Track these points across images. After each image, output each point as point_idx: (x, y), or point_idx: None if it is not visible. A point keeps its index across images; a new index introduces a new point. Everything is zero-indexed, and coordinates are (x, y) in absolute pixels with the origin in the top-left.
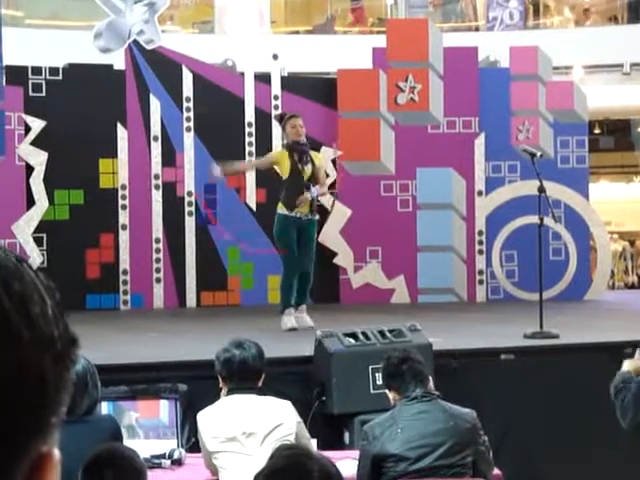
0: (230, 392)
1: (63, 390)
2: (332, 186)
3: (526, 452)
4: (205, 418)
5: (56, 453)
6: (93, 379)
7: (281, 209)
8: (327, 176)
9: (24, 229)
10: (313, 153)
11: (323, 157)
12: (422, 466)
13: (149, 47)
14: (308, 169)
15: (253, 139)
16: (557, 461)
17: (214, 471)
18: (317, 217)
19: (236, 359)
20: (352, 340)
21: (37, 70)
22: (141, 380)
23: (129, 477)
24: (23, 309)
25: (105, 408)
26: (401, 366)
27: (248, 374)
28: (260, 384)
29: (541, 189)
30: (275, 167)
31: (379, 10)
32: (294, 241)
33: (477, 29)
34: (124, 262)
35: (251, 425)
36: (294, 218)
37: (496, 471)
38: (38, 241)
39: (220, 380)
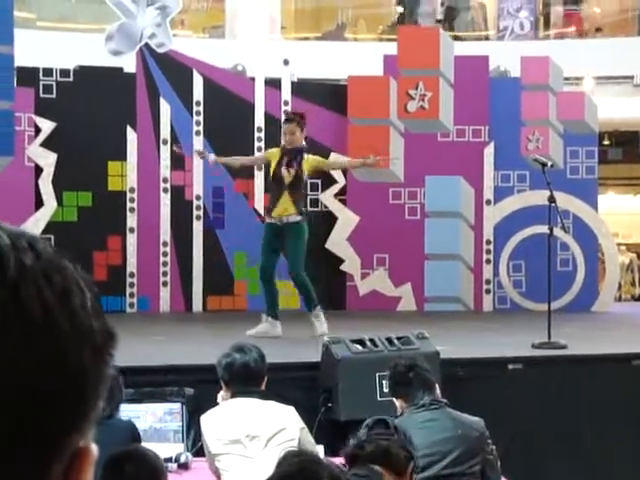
0: (233, 396)
1: (102, 384)
2: (341, 192)
3: (533, 462)
4: (208, 420)
5: (93, 448)
6: (118, 382)
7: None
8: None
9: (32, 230)
10: (306, 157)
11: (314, 159)
12: (429, 474)
13: (160, 50)
14: (290, 173)
15: (262, 144)
16: (564, 472)
17: (218, 474)
18: (298, 218)
19: (237, 363)
20: (359, 347)
21: (48, 72)
22: (148, 383)
23: (150, 475)
24: (64, 301)
25: None
26: (408, 374)
27: (250, 377)
28: (263, 387)
29: (551, 199)
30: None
31: (388, 18)
32: (265, 246)
33: (487, 38)
34: (131, 265)
35: (254, 428)
36: (269, 225)
37: None
38: None
39: (223, 386)
